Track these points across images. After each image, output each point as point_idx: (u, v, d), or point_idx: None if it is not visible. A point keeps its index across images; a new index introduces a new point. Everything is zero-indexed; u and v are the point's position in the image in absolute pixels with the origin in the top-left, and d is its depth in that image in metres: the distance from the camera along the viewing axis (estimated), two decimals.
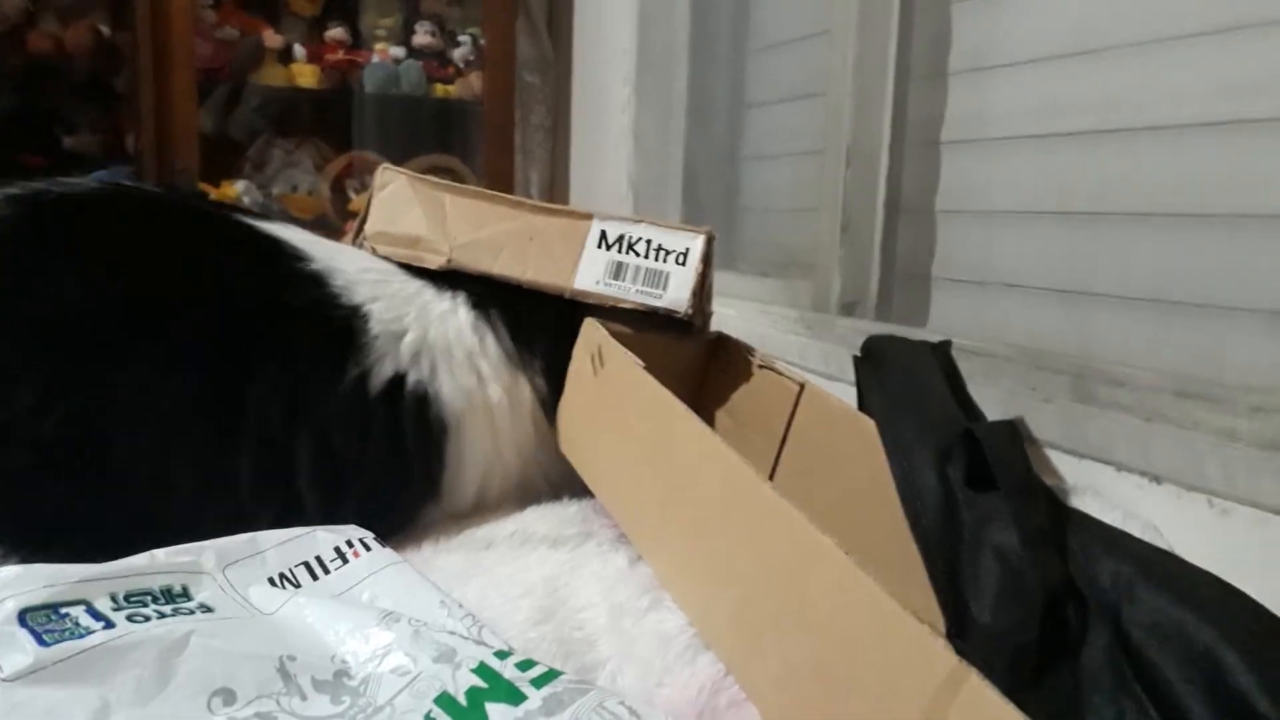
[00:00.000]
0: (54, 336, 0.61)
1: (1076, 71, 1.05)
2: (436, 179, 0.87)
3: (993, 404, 0.94)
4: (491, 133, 1.93)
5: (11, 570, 0.47)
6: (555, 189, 2.06)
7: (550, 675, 0.47)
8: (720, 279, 1.55)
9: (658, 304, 0.82)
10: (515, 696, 0.46)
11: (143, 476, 0.62)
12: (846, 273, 1.25)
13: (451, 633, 0.51)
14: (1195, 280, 0.92)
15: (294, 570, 0.56)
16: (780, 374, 0.83)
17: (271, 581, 0.55)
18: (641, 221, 0.83)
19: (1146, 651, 0.54)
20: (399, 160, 2.03)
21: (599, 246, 0.82)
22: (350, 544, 0.59)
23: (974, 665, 0.56)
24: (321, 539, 0.59)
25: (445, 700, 0.46)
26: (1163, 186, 0.96)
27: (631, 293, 0.82)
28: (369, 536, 0.61)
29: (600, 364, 0.74)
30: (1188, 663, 0.52)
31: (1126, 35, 0.99)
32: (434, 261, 0.82)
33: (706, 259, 0.82)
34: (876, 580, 0.47)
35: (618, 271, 0.82)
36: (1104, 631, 0.56)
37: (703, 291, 0.83)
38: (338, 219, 1.99)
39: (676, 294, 0.82)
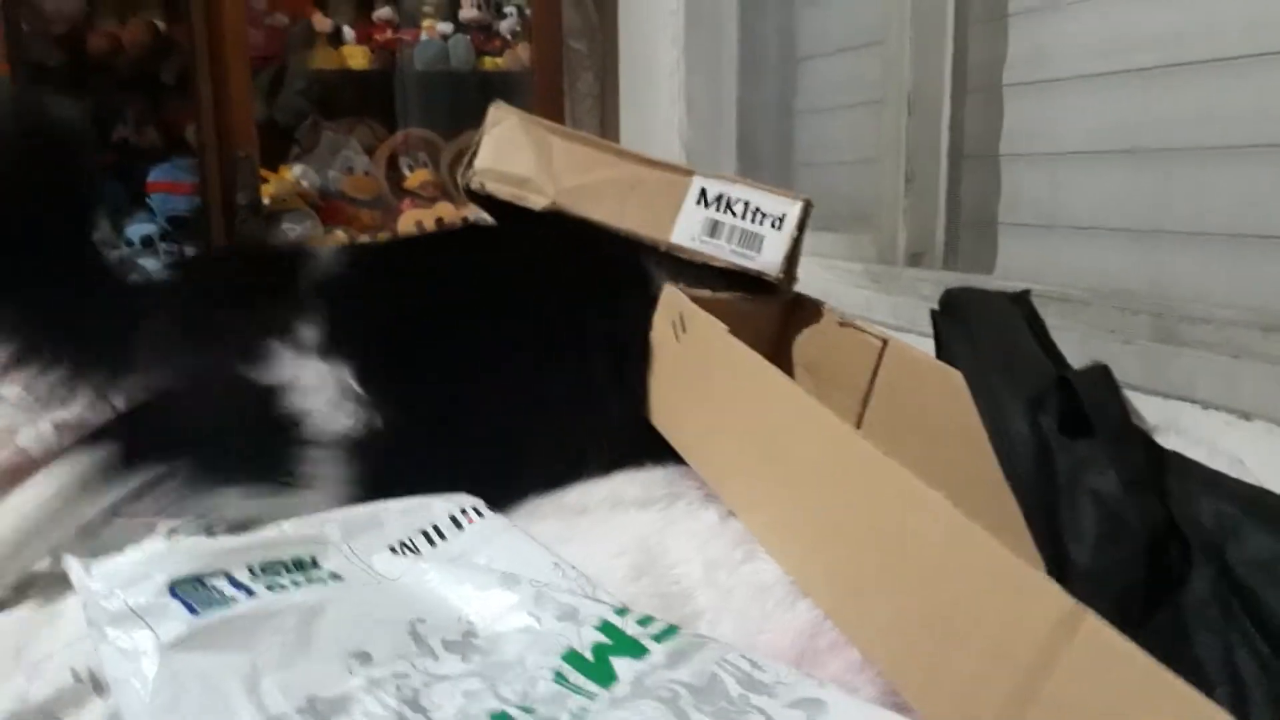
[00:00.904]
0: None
1: (1139, 5, 1.03)
2: (549, 122, 0.88)
3: (1071, 347, 0.94)
4: (541, 102, 1.94)
5: (156, 546, 0.49)
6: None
7: (671, 630, 0.49)
8: None
9: (751, 265, 0.83)
10: (639, 650, 0.48)
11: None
12: (912, 223, 1.25)
13: (571, 592, 0.53)
14: (1274, 212, 0.91)
15: (412, 539, 0.58)
16: (862, 330, 0.83)
17: (392, 549, 0.57)
18: (740, 182, 0.84)
19: (1253, 586, 0.54)
20: (449, 135, 2.06)
21: (698, 203, 0.83)
22: (464, 511, 0.62)
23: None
24: (438, 508, 0.61)
25: (572, 656, 0.48)
26: (1233, 119, 0.94)
27: (726, 252, 0.83)
28: (480, 504, 0.64)
29: (683, 329, 0.75)
30: None
31: None
32: (538, 202, 0.85)
33: (801, 225, 0.83)
34: (985, 529, 0.48)
35: (714, 230, 0.83)
36: (1208, 570, 0.56)
37: (794, 257, 0.84)
38: (394, 196, 2.02)
39: (770, 257, 0.82)
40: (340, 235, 1.87)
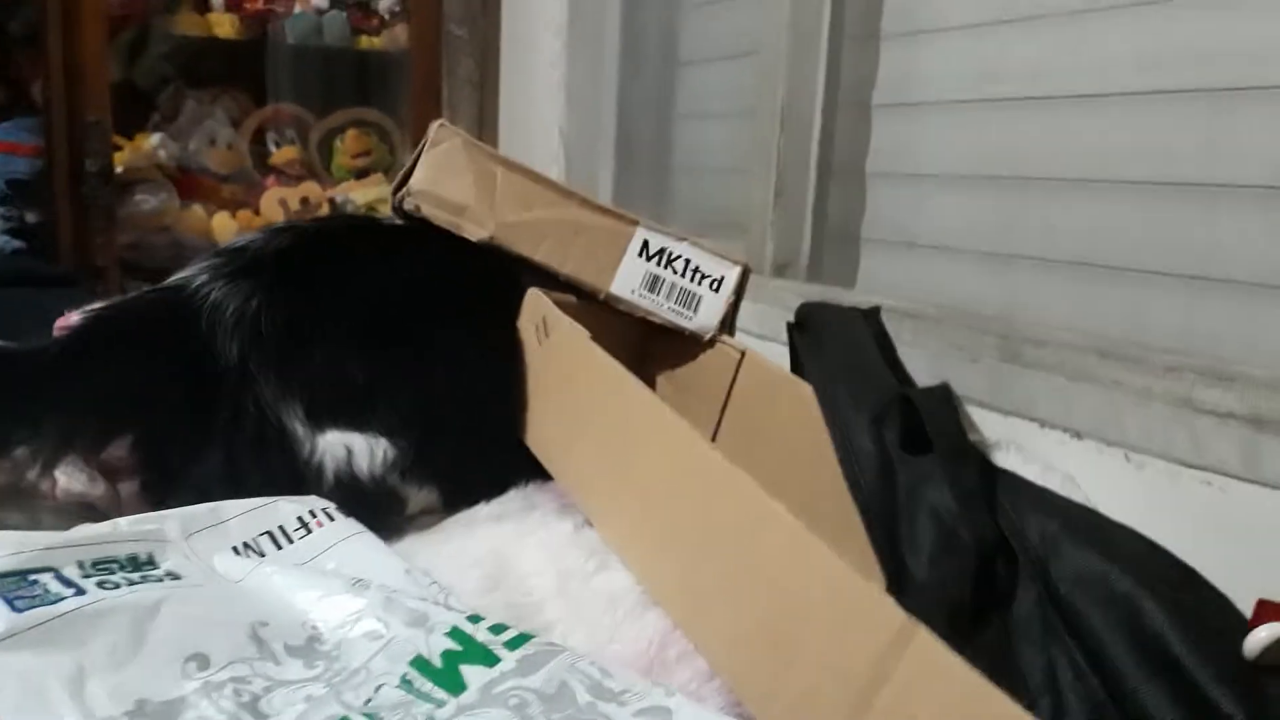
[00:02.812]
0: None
1: (1006, 39, 1.08)
2: (491, 148, 0.86)
3: (921, 363, 0.98)
4: (418, 86, 1.90)
5: None
6: (483, 141, 2.04)
7: (523, 638, 0.49)
8: None
9: (687, 325, 0.84)
10: (490, 659, 0.47)
11: None
12: (779, 234, 1.28)
13: (422, 599, 0.52)
14: (1116, 245, 0.97)
15: (257, 540, 0.57)
16: (720, 341, 0.85)
17: (235, 550, 0.55)
18: (685, 240, 0.84)
19: (1073, 602, 0.58)
20: (321, 112, 2.00)
21: (639, 255, 0.83)
22: (313, 514, 0.60)
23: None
24: (284, 509, 0.60)
25: (420, 663, 0.47)
26: (1086, 154, 0.99)
27: (664, 309, 0.84)
28: (331, 507, 0.62)
29: (545, 334, 0.76)
30: (1110, 611, 0.56)
31: (1055, 5, 1.02)
32: (476, 234, 0.82)
33: (739, 290, 0.85)
34: (825, 543, 0.49)
35: (654, 285, 0.84)
36: (1033, 585, 0.59)
37: (730, 319, 0.86)
38: (258, 172, 1.95)
39: (706, 319, 0.84)
40: (198, 211, 1.79)
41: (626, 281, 0.83)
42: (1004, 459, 0.88)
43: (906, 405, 0.69)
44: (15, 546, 0.47)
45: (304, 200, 1.89)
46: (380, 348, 0.75)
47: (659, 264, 0.83)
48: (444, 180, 0.83)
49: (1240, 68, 0.85)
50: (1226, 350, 0.84)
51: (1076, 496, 0.83)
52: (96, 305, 0.79)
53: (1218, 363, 0.79)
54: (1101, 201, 0.98)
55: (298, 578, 0.53)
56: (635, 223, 0.84)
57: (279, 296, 0.73)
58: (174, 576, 0.51)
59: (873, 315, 0.90)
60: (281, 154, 1.94)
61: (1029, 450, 0.88)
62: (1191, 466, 0.77)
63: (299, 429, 0.70)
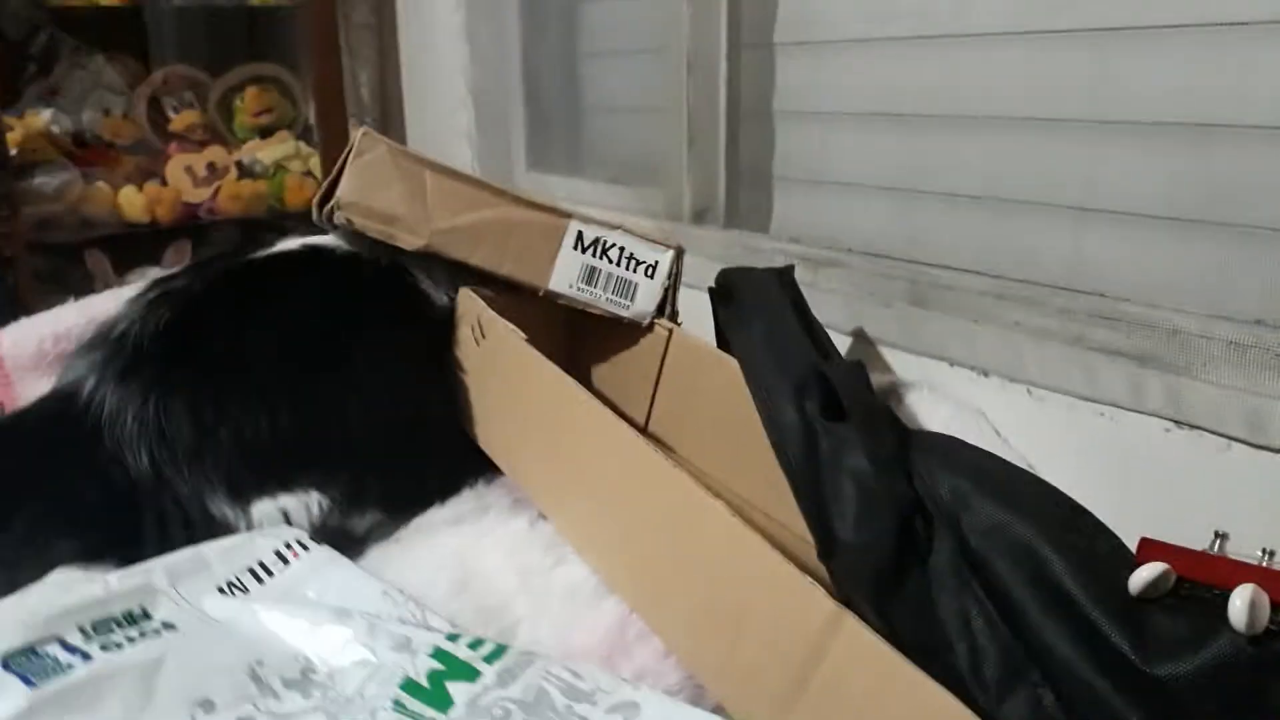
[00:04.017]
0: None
1: None
2: (418, 154, 0.85)
3: (836, 309, 1.04)
4: (315, 37, 1.86)
5: None
6: (387, 88, 2.02)
7: (500, 650, 0.55)
8: (570, 185, 1.59)
9: (625, 314, 0.87)
10: (472, 674, 0.53)
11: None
12: (695, 180, 1.31)
13: (403, 621, 0.57)
14: (1011, 180, 1.02)
15: (240, 577, 0.61)
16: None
17: (220, 590, 0.59)
18: (618, 228, 0.86)
19: (982, 553, 0.65)
20: (216, 72, 1.94)
21: (575, 248, 0.85)
22: (289, 545, 0.64)
23: (841, 578, 0.66)
24: (260, 544, 0.64)
25: (409, 685, 0.53)
26: (981, 92, 1.03)
27: (602, 300, 0.86)
28: (303, 536, 0.66)
29: (482, 335, 0.79)
30: (1014, 559, 0.64)
31: None
32: (410, 243, 0.82)
33: (674, 274, 0.87)
34: (762, 536, 0.55)
35: (590, 277, 0.86)
36: (947, 538, 0.66)
37: (670, 301, 0.88)
38: (159, 140, 1.90)
39: (643, 306, 0.87)
40: (103, 187, 1.75)
41: (564, 276, 0.85)
42: (919, 398, 0.95)
43: (825, 379, 0.74)
44: (21, 621, 0.50)
45: (210, 165, 1.85)
46: (287, 402, 0.75)
47: (594, 254, 0.85)
48: (372, 190, 0.83)
49: (1126, 7, 0.89)
50: (1110, 282, 0.90)
51: (986, 430, 0.91)
52: None
53: (1105, 304, 0.86)
54: (996, 138, 1.03)
55: (284, 612, 0.57)
56: (569, 216, 0.86)
57: (171, 388, 0.73)
58: (170, 627, 0.54)
59: (787, 276, 0.95)
60: (181, 119, 1.90)
61: (942, 390, 0.95)
62: (1086, 399, 0.85)
63: (228, 513, 0.71)
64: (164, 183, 1.82)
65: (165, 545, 0.70)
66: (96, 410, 0.73)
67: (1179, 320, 0.80)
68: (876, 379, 0.98)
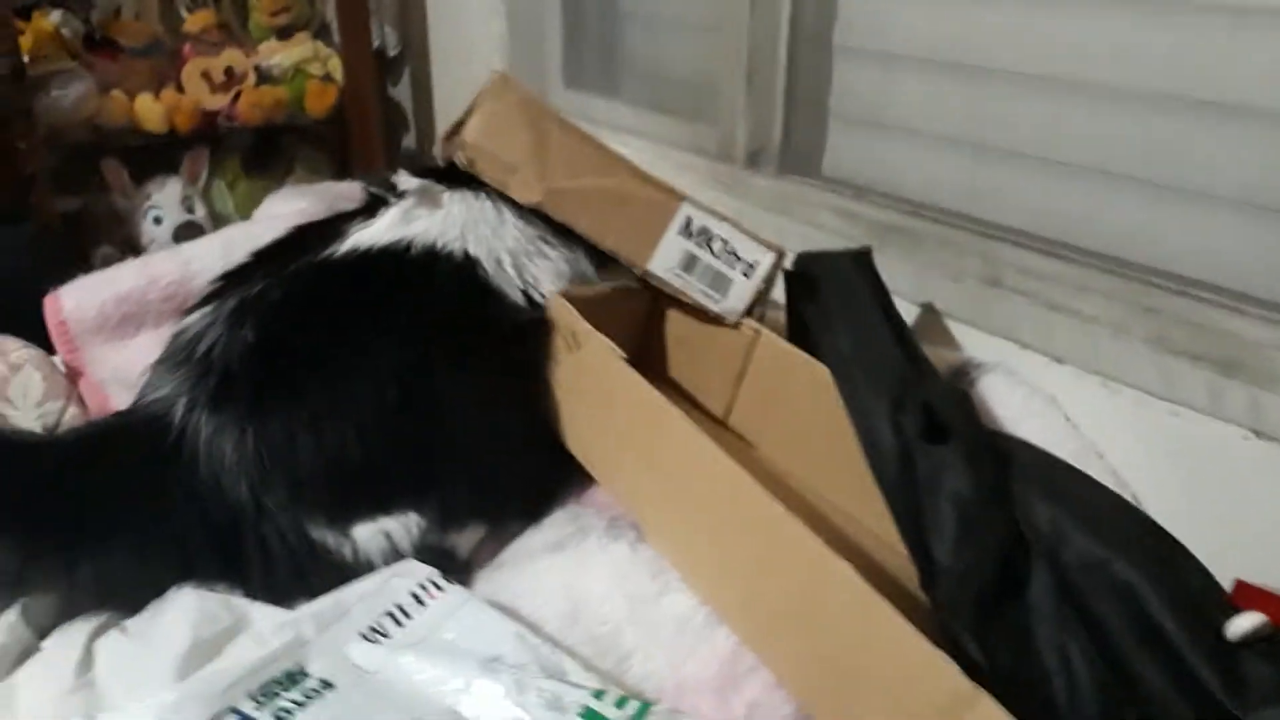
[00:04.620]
0: None
1: None
2: (548, 107, 0.85)
3: (906, 280, 1.03)
4: None
5: (167, 698, 0.52)
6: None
7: (644, 709, 0.57)
8: (610, 109, 1.54)
9: (714, 307, 0.86)
10: None
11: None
12: (751, 119, 1.27)
13: (544, 671, 0.59)
14: (1079, 143, 0.99)
15: (380, 622, 0.63)
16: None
17: (364, 636, 0.61)
18: (726, 221, 0.85)
19: (1080, 588, 0.67)
20: None
21: (680, 233, 0.84)
22: (424, 586, 0.66)
23: (943, 605, 0.68)
24: (397, 586, 0.65)
25: None
26: (1053, 51, 1.00)
27: (695, 290, 0.86)
28: (436, 575, 0.68)
29: (577, 345, 0.79)
30: (1113, 596, 0.66)
31: None
32: (524, 196, 0.83)
33: (770, 277, 0.86)
34: (890, 604, 0.57)
35: (689, 265, 0.85)
36: (1044, 570, 0.69)
37: (756, 306, 0.87)
38: (171, 40, 1.82)
39: (733, 303, 0.86)
40: (119, 96, 1.68)
41: (664, 260, 0.85)
42: (993, 381, 0.96)
43: (921, 399, 0.75)
44: (202, 699, 0.52)
45: (228, 71, 1.78)
46: (379, 422, 0.75)
47: (698, 243, 0.85)
48: (498, 137, 0.83)
49: None
50: (1190, 265, 0.90)
51: (1058, 419, 0.92)
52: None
53: (1190, 306, 0.86)
54: (1067, 100, 1.00)
55: (433, 663, 0.59)
56: (683, 198, 0.85)
57: (267, 418, 0.73)
58: (328, 685, 0.57)
59: (865, 260, 0.94)
60: (195, 19, 1.82)
61: (1017, 373, 0.95)
62: (1161, 399, 0.86)
63: (329, 539, 0.73)
64: (180, 89, 1.76)
65: (269, 571, 0.73)
66: (193, 437, 0.74)
67: (1264, 331, 0.81)
68: (946, 356, 0.99)
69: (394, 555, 0.74)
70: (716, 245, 0.85)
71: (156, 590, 0.72)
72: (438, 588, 0.67)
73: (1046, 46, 1.00)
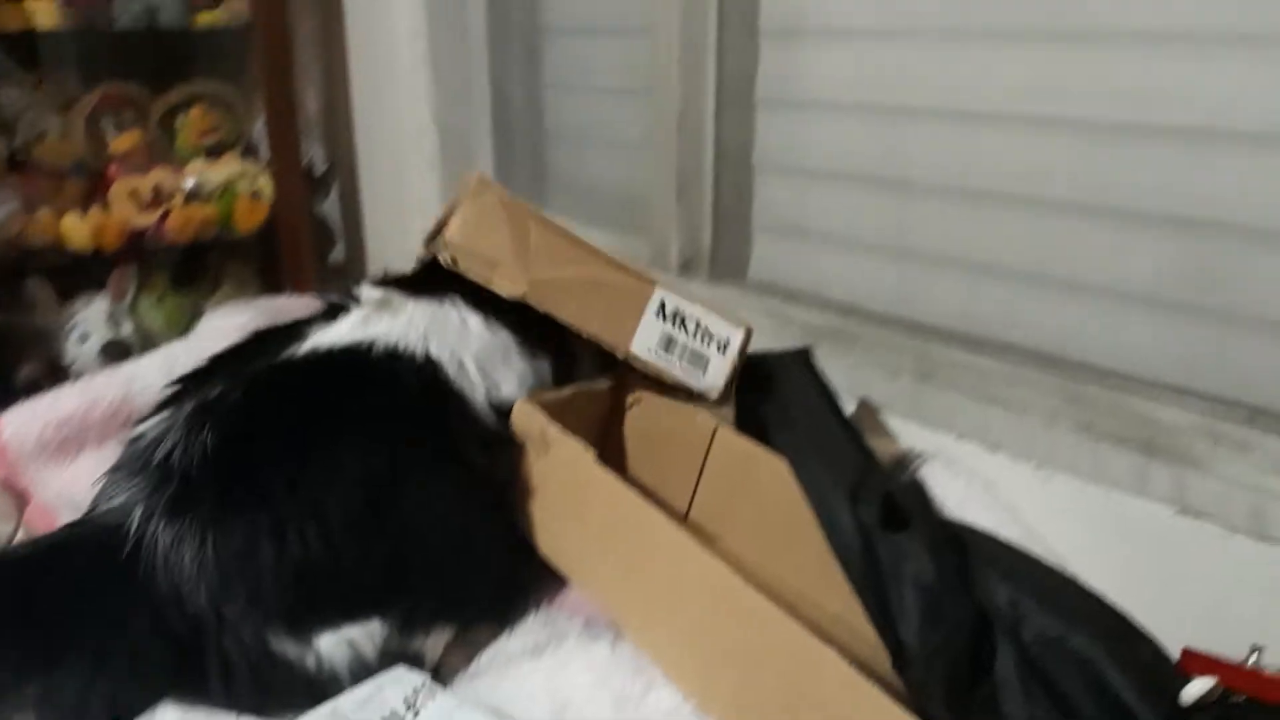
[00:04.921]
0: None
1: (885, 49, 1.14)
2: (525, 205, 0.89)
3: (841, 377, 1.08)
4: (266, 53, 1.80)
5: None
6: (335, 108, 1.97)
7: None
8: None
9: (696, 385, 0.91)
10: None
11: None
12: (683, 230, 1.34)
13: None
14: (994, 246, 1.07)
15: None
16: (694, 412, 0.92)
17: None
18: (696, 303, 0.91)
19: (1043, 663, 0.71)
20: (157, 90, 1.87)
21: (656, 315, 0.89)
22: (415, 691, 0.66)
23: (916, 687, 0.71)
24: (390, 694, 0.65)
25: None
26: (967, 166, 1.08)
27: (676, 369, 0.90)
28: (427, 680, 0.68)
29: (546, 448, 0.81)
30: (1073, 669, 0.70)
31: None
32: (509, 290, 0.86)
33: (743, 351, 0.92)
34: (880, 688, 0.60)
35: (668, 345, 0.90)
36: (1009, 648, 0.72)
37: (733, 378, 0.92)
38: (95, 160, 1.82)
39: (713, 380, 0.91)
40: (46, 214, 1.67)
41: (645, 341, 0.89)
42: (934, 471, 1.01)
43: (878, 489, 0.79)
44: None
45: (156, 189, 1.79)
46: (344, 529, 0.74)
47: (674, 325, 0.90)
48: (480, 235, 0.86)
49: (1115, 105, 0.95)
50: (1104, 355, 0.97)
51: (998, 506, 0.97)
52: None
53: (1112, 396, 0.93)
54: (984, 207, 1.08)
55: None
56: (654, 283, 0.90)
57: (229, 527, 0.72)
58: None
59: (806, 359, 1.00)
60: (122, 140, 1.82)
61: (957, 464, 1.01)
62: (1092, 481, 0.91)
63: (289, 649, 0.72)
64: (106, 207, 1.75)
65: (230, 683, 0.72)
66: (150, 546, 0.72)
67: (1178, 416, 0.87)
68: (887, 447, 1.04)
69: (358, 663, 0.73)
70: (690, 325, 0.90)
71: (108, 712, 0.70)
72: (431, 695, 0.67)
73: (961, 160, 1.09)
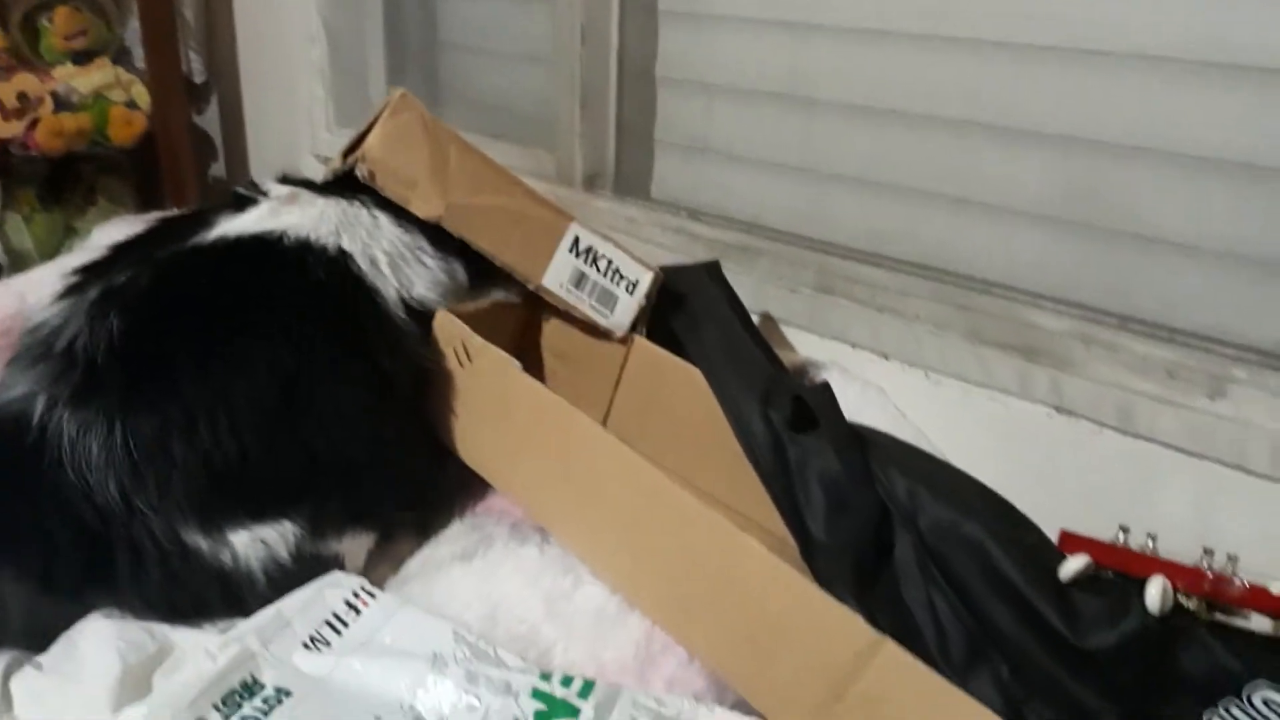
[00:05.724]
0: None
1: None
2: (448, 127, 0.88)
3: (745, 291, 1.12)
4: None
5: (138, 711, 0.52)
6: (214, 12, 1.88)
7: (588, 686, 0.62)
8: None
9: (603, 323, 0.92)
10: (572, 711, 0.60)
11: None
12: (586, 145, 1.34)
13: (489, 661, 0.62)
14: (890, 164, 1.12)
15: (320, 631, 0.64)
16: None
17: (305, 645, 0.63)
18: (610, 241, 0.92)
19: (938, 548, 0.77)
20: None
21: (570, 250, 0.90)
22: (356, 594, 0.68)
23: (823, 576, 0.77)
24: (330, 596, 0.67)
25: None
26: (864, 82, 1.12)
27: (585, 305, 0.91)
28: (365, 583, 0.69)
29: (468, 358, 0.82)
30: (966, 553, 0.77)
31: None
32: (425, 211, 0.85)
33: (650, 294, 0.93)
34: (796, 569, 0.65)
35: (579, 281, 0.91)
36: (907, 535, 0.78)
37: (640, 322, 0.94)
38: None
39: (620, 318, 0.93)
40: None
41: (557, 276, 0.90)
42: (829, 377, 1.06)
43: (788, 393, 0.84)
44: (171, 711, 0.53)
45: (21, 95, 1.68)
46: (255, 424, 0.73)
47: (586, 261, 0.91)
48: (399, 152, 0.85)
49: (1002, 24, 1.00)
50: (990, 268, 1.03)
51: (889, 408, 1.04)
52: None
53: (997, 303, 0.99)
54: (883, 125, 1.12)
55: (381, 667, 0.61)
56: (571, 219, 0.91)
57: (138, 413, 0.70)
58: (285, 692, 0.58)
59: (716, 272, 1.03)
60: None
61: (851, 370, 1.06)
62: (978, 385, 0.98)
63: (203, 545, 0.71)
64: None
65: (140, 577, 0.71)
66: (55, 436, 0.70)
67: (1057, 322, 0.94)
68: (787, 357, 1.09)
69: (273, 564, 0.72)
70: (602, 264, 0.91)
71: (14, 605, 0.70)
72: (370, 595, 0.69)
73: (862, 78, 1.12)
